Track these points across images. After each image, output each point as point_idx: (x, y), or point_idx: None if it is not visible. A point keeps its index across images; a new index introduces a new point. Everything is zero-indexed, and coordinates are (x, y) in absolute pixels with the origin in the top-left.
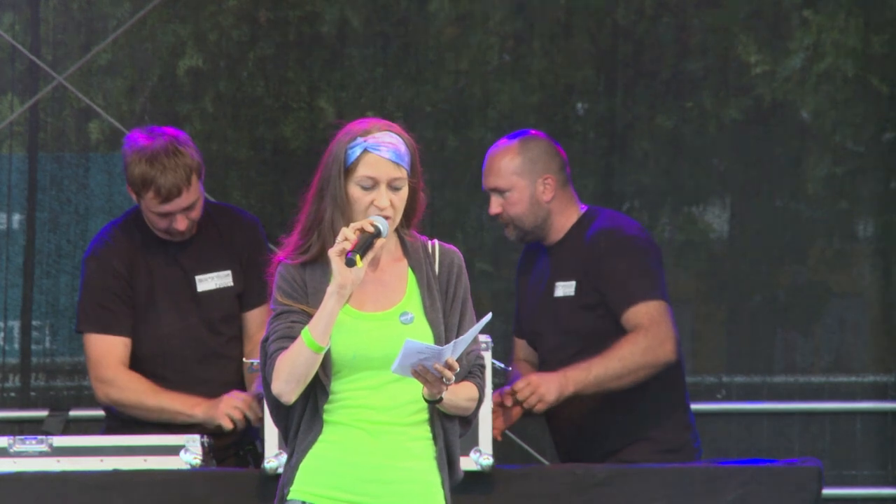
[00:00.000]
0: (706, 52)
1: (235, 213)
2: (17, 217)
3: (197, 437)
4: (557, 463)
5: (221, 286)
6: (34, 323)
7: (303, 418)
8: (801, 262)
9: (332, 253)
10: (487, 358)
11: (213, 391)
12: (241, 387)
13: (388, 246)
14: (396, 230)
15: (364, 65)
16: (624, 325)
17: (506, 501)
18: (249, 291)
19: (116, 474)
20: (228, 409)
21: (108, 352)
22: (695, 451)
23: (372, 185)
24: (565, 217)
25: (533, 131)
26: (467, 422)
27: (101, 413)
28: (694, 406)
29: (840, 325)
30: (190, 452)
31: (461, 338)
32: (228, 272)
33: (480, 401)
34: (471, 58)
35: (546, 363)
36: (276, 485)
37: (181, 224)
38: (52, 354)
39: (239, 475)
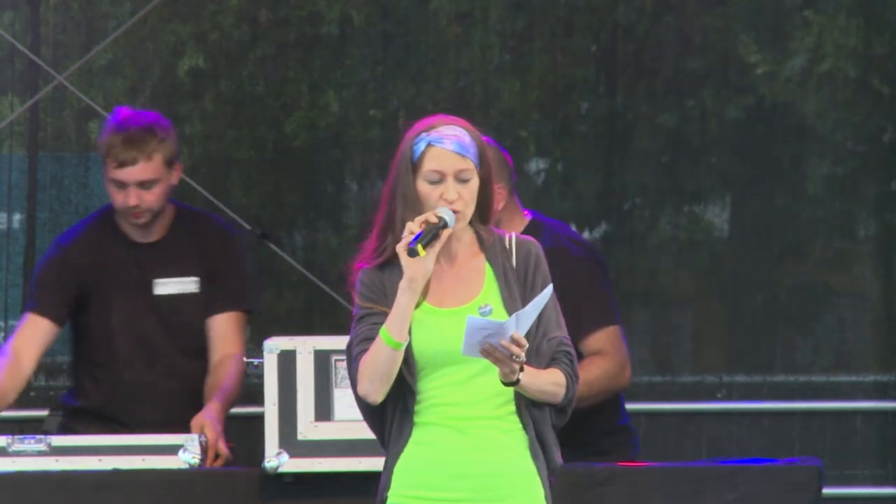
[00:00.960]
0: (707, 50)
1: (213, 222)
2: (17, 217)
3: (196, 436)
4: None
5: (184, 291)
6: None
7: (393, 422)
8: (801, 261)
9: (399, 247)
10: None
11: (156, 398)
12: (189, 399)
13: (464, 241)
14: (472, 225)
15: (365, 64)
16: (582, 351)
17: None
18: (214, 297)
19: (115, 474)
20: None
21: (25, 333)
22: (630, 448)
23: (439, 178)
24: (512, 227)
25: (483, 137)
26: (561, 410)
27: None
28: (694, 406)
29: (840, 324)
30: (188, 452)
31: (523, 310)
32: (195, 279)
33: (570, 388)
34: (472, 57)
35: None
36: (274, 484)
37: (132, 198)
38: (52, 354)
39: (239, 475)
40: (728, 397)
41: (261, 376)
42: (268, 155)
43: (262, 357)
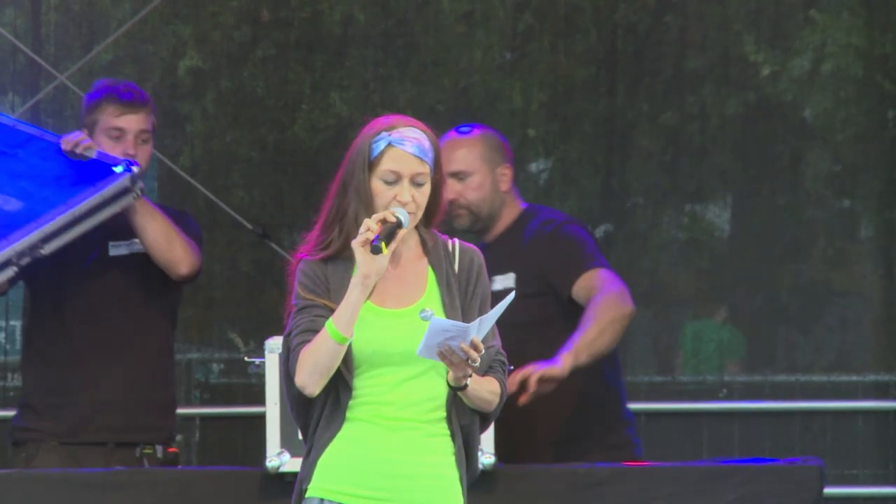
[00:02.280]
0: (708, 49)
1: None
2: None
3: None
4: (559, 462)
5: (136, 251)
6: None
7: (322, 414)
8: (802, 260)
9: (356, 243)
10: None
11: (105, 357)
12: (133, 355)
13: (408, 243)
14: (417, 229)
15: (367, 64)
16: (576, 299)
17: (507, 501)
18: None
19: (116, 474)
20: None
21: None
22: (634, 446)
23: (395, 179)
24: (510, 211)
25: (480, 127)
26: (487, 418)
27: None
28: (695, 406)
29: (841, 323)
30: None
31: (485, 316)
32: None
33: (502, 397)
34: (474, 57)
35: None
36: (276, 484)
37: (130, 147)
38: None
39: (240, 475)
40: (729, 397)
41: (262, 376)
42: (269, 155)
43: (263, 357)
